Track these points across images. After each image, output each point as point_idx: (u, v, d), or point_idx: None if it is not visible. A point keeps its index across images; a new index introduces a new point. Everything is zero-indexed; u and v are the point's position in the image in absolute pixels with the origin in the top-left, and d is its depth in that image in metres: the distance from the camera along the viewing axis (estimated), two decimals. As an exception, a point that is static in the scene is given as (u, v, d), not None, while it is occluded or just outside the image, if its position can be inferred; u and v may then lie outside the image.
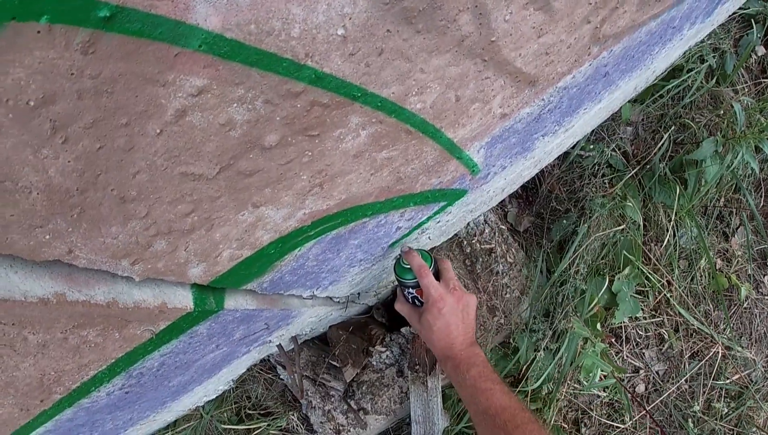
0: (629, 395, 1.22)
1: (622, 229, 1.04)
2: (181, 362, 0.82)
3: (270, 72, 0.38)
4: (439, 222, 0.90)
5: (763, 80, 1.48)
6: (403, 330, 1.11)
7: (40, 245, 0.42)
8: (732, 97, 1.32)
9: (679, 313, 1.20)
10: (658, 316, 1.25)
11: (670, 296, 1.18)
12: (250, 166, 0.47)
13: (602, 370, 1.06)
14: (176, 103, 0.36)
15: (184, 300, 0.62)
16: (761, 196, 1.43)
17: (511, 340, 1.10)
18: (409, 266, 0.85)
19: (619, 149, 1.09)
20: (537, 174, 1.13)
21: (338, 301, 1.01)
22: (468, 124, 0.64)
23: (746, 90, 1.43)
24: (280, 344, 1.03)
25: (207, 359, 0.89)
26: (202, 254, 0.56)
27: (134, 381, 0.80)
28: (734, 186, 1.24)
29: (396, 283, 0.92)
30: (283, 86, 0.40)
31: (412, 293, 0.89)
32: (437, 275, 0.87)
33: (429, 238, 0.97)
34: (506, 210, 1.16)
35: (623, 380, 1.21)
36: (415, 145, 0.61)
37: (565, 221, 1.07)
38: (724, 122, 1.25)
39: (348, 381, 1.17)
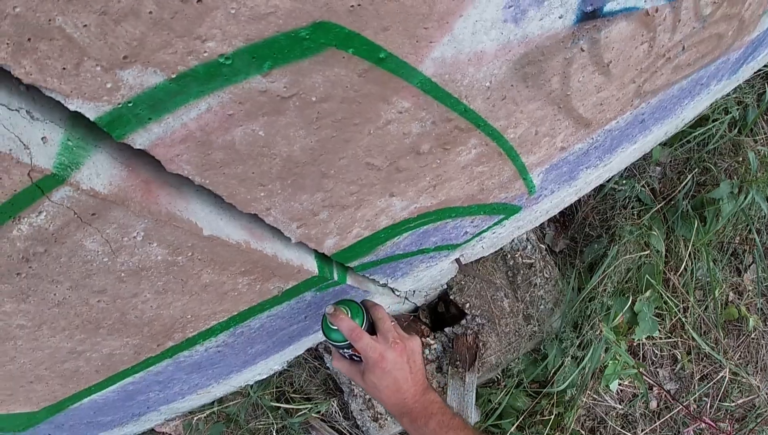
0: (648, 384, 1.37)
1: (647, 254, 1.25)
2: (273, 328, 1.00)
3: (442, 103, 0.60)
4: (494, 233, 1.11)
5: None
6: (446, 329, 1.30)
7: (254, 200, 0.62)
8: (751, 146, 1.56)
9: (692, 337, 1.38)
10: (673, 338, 1.43)
11: (685, 321, 1.36)
12: (404, 164, 0.68)
13: (624, 372, 1.23)
14: (388, 115, 0.58)
15: (312, 266, 0.82)
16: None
17: (542, 347, 1.29)
18: (336, 327, 0.79)
19: (648, 186, 1.32)
20: (574, 203, 1.36)
21: (398, 295, 1.20)
22: (538, 152, 0.86)
23: (764, 140, 1.67)
24: None
25: (290, 330, 1.07)
26: (341, 228, 0.77)
27: (231, 340, 0.97)
28: (749, 227, 1.44)
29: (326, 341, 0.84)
30: (445, 114, 0.62)
31: (348, 352, 0.83)
32: (371, 327, 0.82)
33: (482, 247, 1.18)
34: (545, 232, 1.38)
35: (641, 385, 1.38)
36: (501, 164, 0.83)
37: (596, 245, 1.29)
38: (742, 168, 1.47)
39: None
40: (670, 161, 1.37)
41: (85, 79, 0.39)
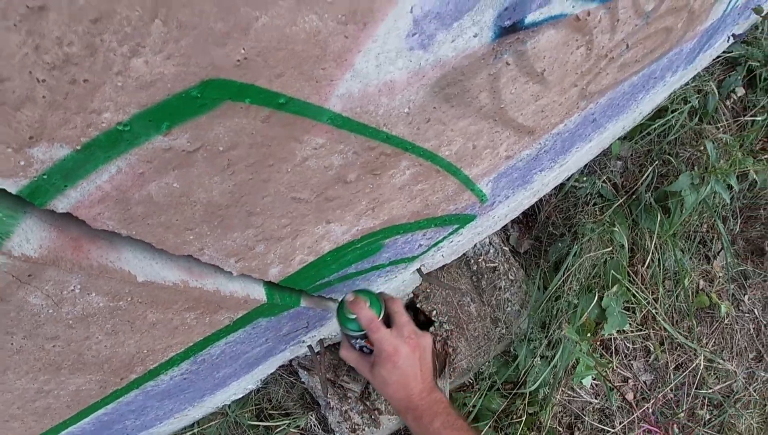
0: (617, 393, 1.43)
1: (610, 251, 1.28)
2: (235, 353, 1.03)
3: (360, 135, 0.62)
4: (452, 242, 1.14)
5: (742, 119, 1.76)
6: None
7: (184, 243, 0.64)
8: (712, 133, 1.58)
9: (664, 327, 1.41)
10: (644, 331, 1.46)
11: (656, 312, 1.40)
12: (333, 194, 0.70)
13: (589, 369, 1.27)
14: (304, 153, 0.59)
15: (260, 294, 0.84)
16: (739, 223, 1.68)
17: (512, 349, 1.32)
18: (354, 317, 0.81)
19: (610, 181, 1.34)
20: (536, 202, 1.38)
21: None
22: (480, 164, 0.88)
23: (727, 128, 1.70)
24: (310, 345, 1.24)
25: (254, 353, 1.10)
26: (282, 257, 0.79)
27: (195, 368, 1.00)
28: (713, 217, 1.48)
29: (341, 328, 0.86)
30: (365, 143, 0.64)
31: (361, 343, 0.85)
32: (387, 320, 0.85)
33: (443, 255, 1.20)
34: (508, 233, 1.40)
35: (611, 381, 1.43)
36: (441, 180, 0.85)
37: (560, 244, 1.31)
38: (704, 156, 1.51)
39: (365, 383, 1.38)
40: (631, 155, 1.39)
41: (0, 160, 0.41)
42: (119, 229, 0.54)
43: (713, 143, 1.43)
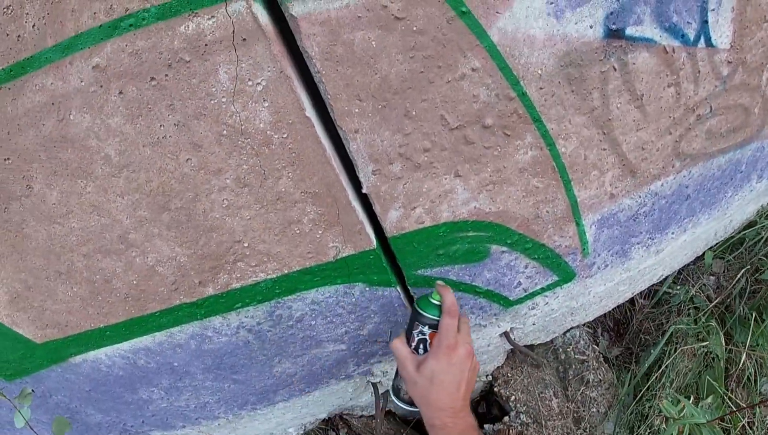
0: None
1: (706, 359, 1.10)
2: (309, 335, 0.96)
3: (505, 78, 0.82)
4: (547, 304, 1.10)
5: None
6: (486, 426, 1.09)
7: (349, 113, 0.75)
8: None
9: None
10: None
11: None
12: (471, 135, 0.84)
13: None
14: (463, 69, 0.79)
15: (372, 236, 0.88)
16: None
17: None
18: (437, 302, 0.84)
19: (703, 292, 1.27)
20: (628, 310, 1.30)
21: None
22: (589, 187, 0.98)
23: None
24: (375, 383, 1.08)
25: (324, 352, 1.00)
26: (407, 198, 0.87)
27: (268, 326, 0.93)
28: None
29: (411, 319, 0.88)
30: (507, 90, 0.83)
31: (424, 334, 0.86)
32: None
33: (534, 324, 1.13)
34: (598, 341, 1.27)
35: None
36: (554, 187, 0.95)
37: (652, 350, 1.16)
38: None
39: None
40: (724, 271, 1.34)
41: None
42: (316, 60, 0.72)
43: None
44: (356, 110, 0.78)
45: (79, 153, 0.75)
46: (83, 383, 0.94)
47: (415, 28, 0.74)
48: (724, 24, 0.98)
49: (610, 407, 1.13)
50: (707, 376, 1.11)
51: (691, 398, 1.09)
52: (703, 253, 1.29)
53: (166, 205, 0.80)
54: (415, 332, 0.87)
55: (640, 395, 1.14)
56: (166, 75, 0.71)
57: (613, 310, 1.21)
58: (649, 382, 1.14)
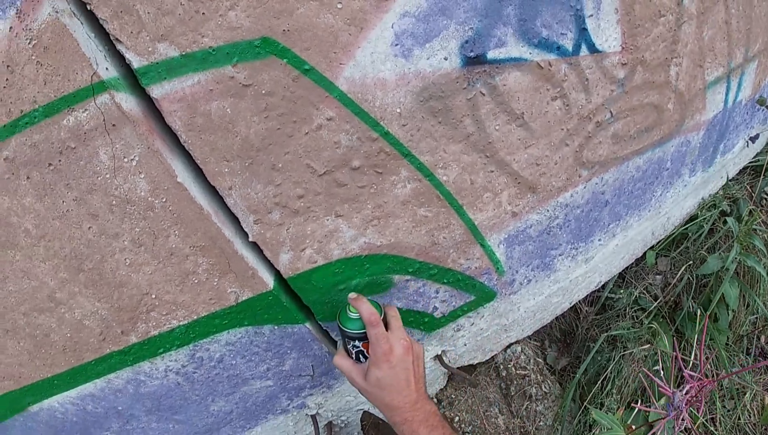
0: None
1: (655, 362, 1.06)
2: (233, 373, 1.06)
3: (363, 121, 0.89)
4: (473, 324, 1.13)
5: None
6: None
7: (219, 174, 0.85)
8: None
9: None
10: None
11: (717, 432, 1.03)
12: (341, 178, 0.92)
13: None
14: (319, 120, 0.87)
15: (268, 278, 0.98)
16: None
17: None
18: (356, 316, 0.89)
19: (649, 292, 1.23)
20: (574, 319, 1.29)
21: None
22: (484, 209, 1.02)
23: (761, 224, 1.49)
24: (314, 415, 1.16)
25: (253, 389, 1.10)
26: (293, 241, 0.96)
27: (192, 368, 1.04)
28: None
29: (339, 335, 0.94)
30: (367, 132, 0.90)
31: (358, 347, 0.91)
32: (385, 325, 0.91)
33: (465, 344, 1.16)
34: (546, 353, 1.27)
35: None
36: (445, 214, 1.00)
37: (599, 357, 1.14)
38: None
39: None
40: (670, 268, 1.29)
41: (140, 42, 0.79)
42: (181, 132, 0.83)
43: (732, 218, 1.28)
44: (226, 170, 0.88)
45: (4, 229, 0.91)
46: (44, 430, 1.10)
47: (263, 91, 0.84)
48: (608, 27, 0.99)
49: (557, 419, 1.14)
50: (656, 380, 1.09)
51: (639, 402, 1.07)
52: (644, 254, 1.27)
53: (80, 267, 0.94)
54: (349, 347, 0.93)
55: (584, 404, 1.14)
56: (60, 160, 0.85)
57: (558, 320, 1.21)
58: (593, 391, 1.14)
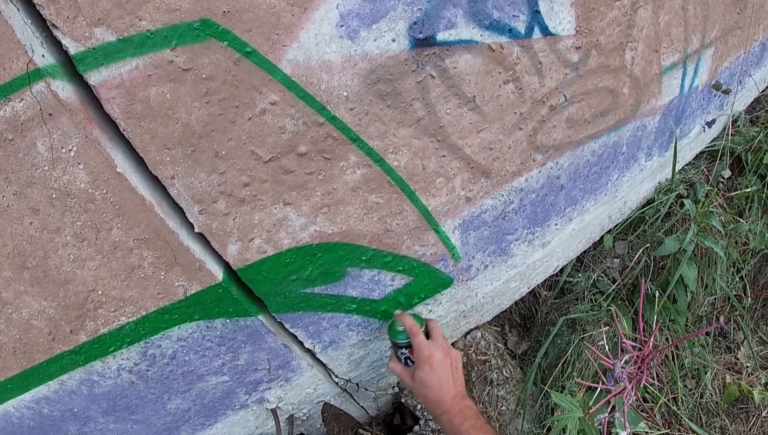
0: None
1: (615, 344, 1.09)
2: (187, 370, 1.04)
3: (308, 105, 0.88)
4: (431, 311, 1.13)
5: (731, 194, 1.66)
6: None
7: (161, 163, 0.84)
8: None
9: (691, 428, 1.14)
10: (670, 433, 1.26)
11: (679, 411, 1.09)
12: (288, 164, 0.91)
13: None
14: (262, 105, 0.86)
15: (216, 271, 0.96)
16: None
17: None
18: (402, 329, 1.05)
19: (607, 276, 1.27)
20: (533, 303, 1.30)
21: (337, 382, 1.16)
22: (438, 195, 1.02)
23: (717, 206, 1.59)
24: (274, 409, 1.15)
25: (209, 385, 1.08)
26: (241, 231, 0.94)
27: (145, 366, 1.01)
28: (728, 300, 1.26)
29: (390, 346, 1.11)
30: (313, 116, 0.89)
31: (405, 353, 1.07)
32: (427, 336, 1.06)
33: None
34: (506, 338, 1.28)
35: None
36: (397, 200, 1.00)
37: (559, 340, 1.16)
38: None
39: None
40: (628, 252, 1.33)
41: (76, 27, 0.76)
42: (120, 119, 0.81)
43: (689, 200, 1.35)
44: (167, 158, 0.86)
45: (-61, 229, 0.88)
46: (-1, 437, 1.07)
47: (204, 76, 0.82)
48: (562, 10, 1.00)
49: (520, 403, 1.16)
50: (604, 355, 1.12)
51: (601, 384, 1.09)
52: (601, 238, 1.29)
53: (24, 265, 0.90)
54: (398, 354, 1.09)
55: (545, 388, 1.17)
56: (-4, 154, 0.82)
57: (517, 305, 1.23)
58: (554, 374, 1.17)
